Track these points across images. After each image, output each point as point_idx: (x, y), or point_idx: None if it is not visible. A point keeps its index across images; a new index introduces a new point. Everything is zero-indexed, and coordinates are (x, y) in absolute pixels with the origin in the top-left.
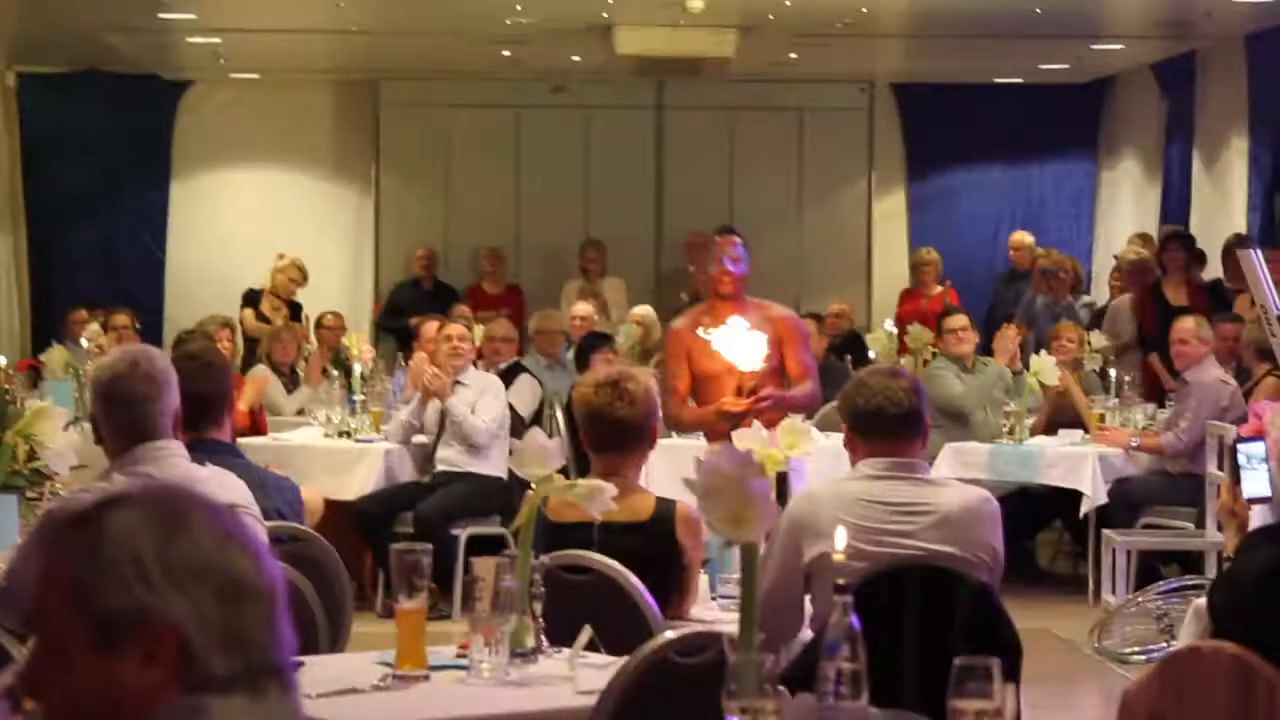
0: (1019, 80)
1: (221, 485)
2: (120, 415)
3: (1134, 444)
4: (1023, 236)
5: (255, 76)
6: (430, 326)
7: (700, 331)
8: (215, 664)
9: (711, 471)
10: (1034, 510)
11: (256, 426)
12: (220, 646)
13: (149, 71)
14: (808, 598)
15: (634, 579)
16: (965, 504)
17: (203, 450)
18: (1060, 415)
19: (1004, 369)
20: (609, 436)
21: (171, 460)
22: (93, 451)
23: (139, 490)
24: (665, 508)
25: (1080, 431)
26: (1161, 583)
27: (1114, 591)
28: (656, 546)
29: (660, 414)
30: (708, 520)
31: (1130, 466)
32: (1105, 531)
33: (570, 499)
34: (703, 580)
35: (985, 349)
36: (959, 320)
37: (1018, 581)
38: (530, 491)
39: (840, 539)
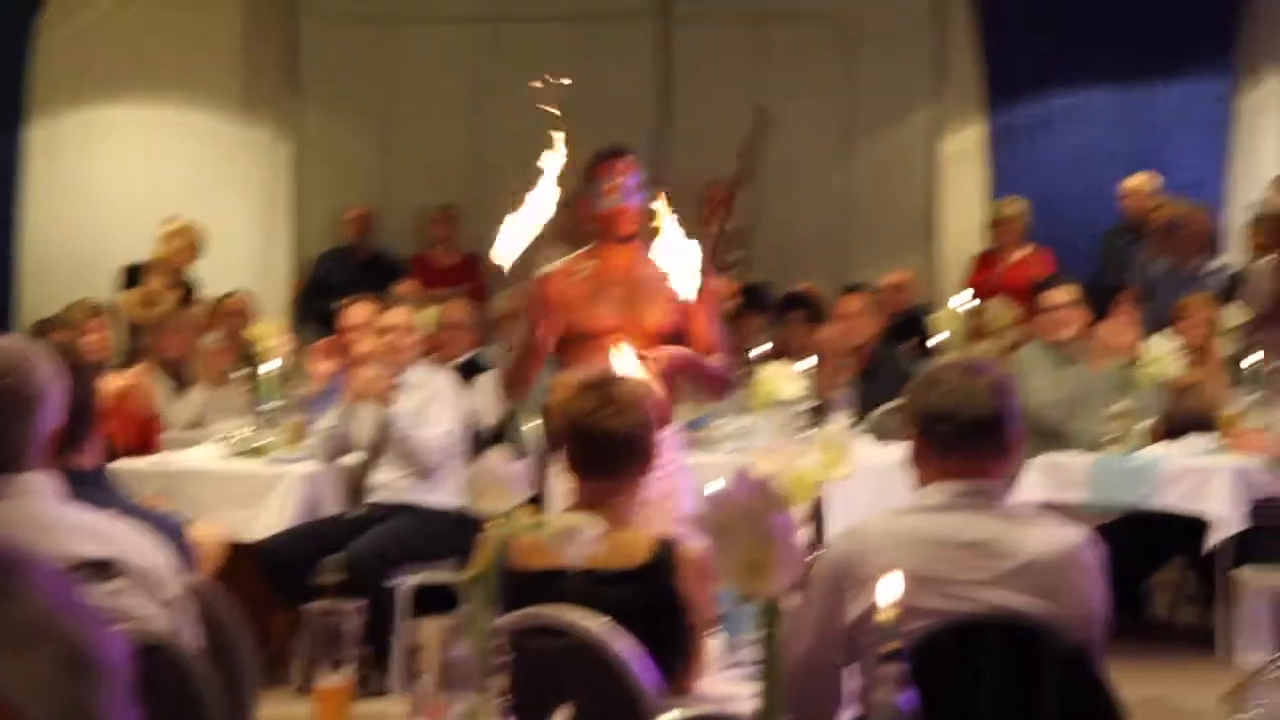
0: None
1: (102, 536)
2: None
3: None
4: (1143, 180)
5: None
6: (358, 312)
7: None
8: None
9: (721, 503)
10: (1149, 542)
11: (145, 441)
12: None
13: None
14: (851, 667)
15: (624, 643)
16: (1057, 548)
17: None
18: (1184, 416)
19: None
20: (594, 456)
21: (30, 502)
22: None
23: None
24: (665, 550)
25: (1210, 437)
26: None
27: (1253, 648)
28: (654, 600)
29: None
30: (718, 567)
31: (1276, 483)
32: (1239, 570)
33: (541, 540)
34: (715, 644)
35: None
36: (1062, 294)
37: (1128, 637)
38: (488, 531)
39: (888, 589)
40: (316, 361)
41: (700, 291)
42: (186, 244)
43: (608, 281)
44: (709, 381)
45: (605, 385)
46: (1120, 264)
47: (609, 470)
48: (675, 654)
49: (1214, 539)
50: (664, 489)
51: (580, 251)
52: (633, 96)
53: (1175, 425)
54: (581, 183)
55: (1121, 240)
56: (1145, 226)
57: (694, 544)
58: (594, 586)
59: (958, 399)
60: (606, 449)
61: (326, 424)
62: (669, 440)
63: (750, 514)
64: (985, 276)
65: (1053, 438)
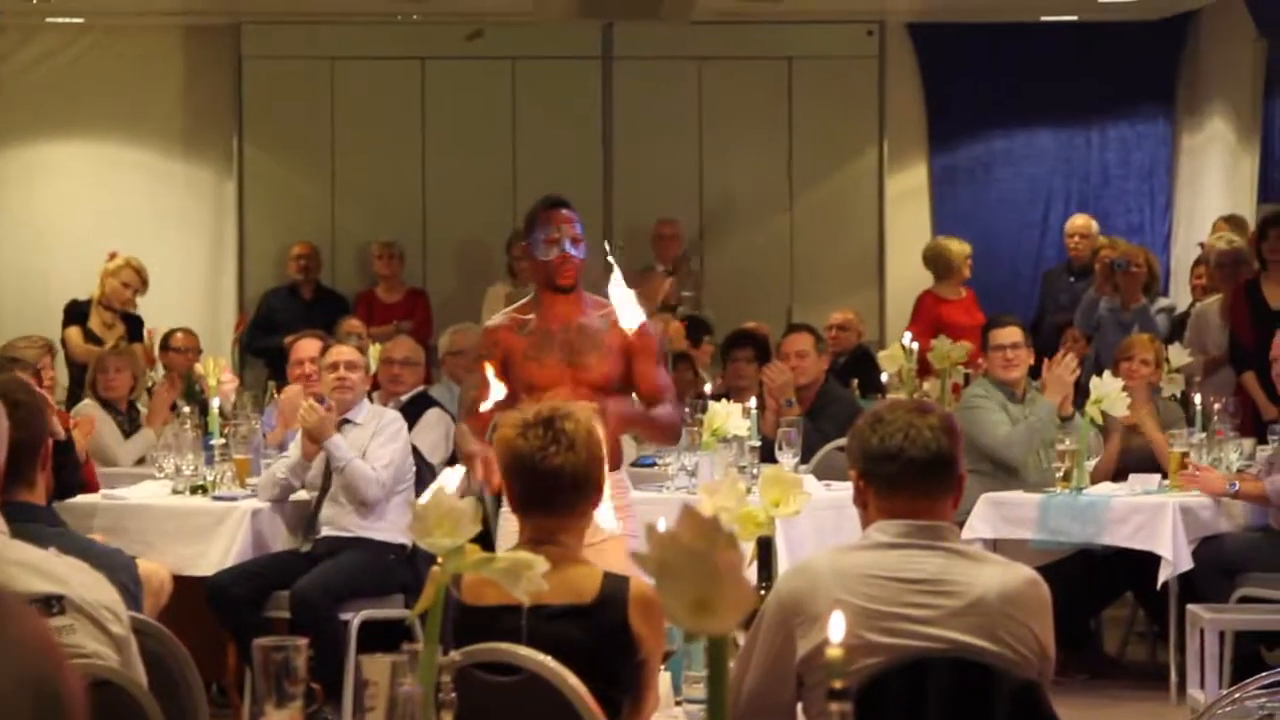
0: (1073, 18)
1: (49, 572)
2: None
3: (1231, 489)
4: (1088, 221)
5: (79, 20)
6: (307, 346)
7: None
8: None
9: (667, 541)
10: (1098, 580)
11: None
12: None
13: None
14: (800, 704)
15: (574, 679)
16: (1006, 586)
17: (8, 518)
18: (1130, 456)
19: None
20: (540, 493)
21: None
22: None
23: None
24: (615, 586)
25: (1157, 476)
26: (1265, 673)
27: (1203, 685)
28: (604, 637)
29: (605, 464)
30: (664, 606)
31: (1223, 521)
32: (1190, 607)
33: (489, 576)
34: (664, 680)
35: (1036, 372)
36: (1010, 334)
37: (1078, 674)
38: (436, 567)
39: (836, 626)
40: (286, 412)
41: (642, 336)
42: (130, 281)
43: (550, 333)
44: (657, 432)
45: (551, 422)
46: (1059, 304)
47: (556, 507)
48: (625, 690)
49: (1164, 576)
50: (625, 528)
51: (523, 302)
52: (575, 137)
53: (1121, 465)
54: (524, 231)
55: (1062, 280)
56: (1089, 267)
57: (644, 579)
58: (544, 622)
59: (904, 438)
60: (553, 486)
61: (275, 471)
62: (622, 481)
63: (697, 550)
64: (922, 317)
65: (1001, 475)
